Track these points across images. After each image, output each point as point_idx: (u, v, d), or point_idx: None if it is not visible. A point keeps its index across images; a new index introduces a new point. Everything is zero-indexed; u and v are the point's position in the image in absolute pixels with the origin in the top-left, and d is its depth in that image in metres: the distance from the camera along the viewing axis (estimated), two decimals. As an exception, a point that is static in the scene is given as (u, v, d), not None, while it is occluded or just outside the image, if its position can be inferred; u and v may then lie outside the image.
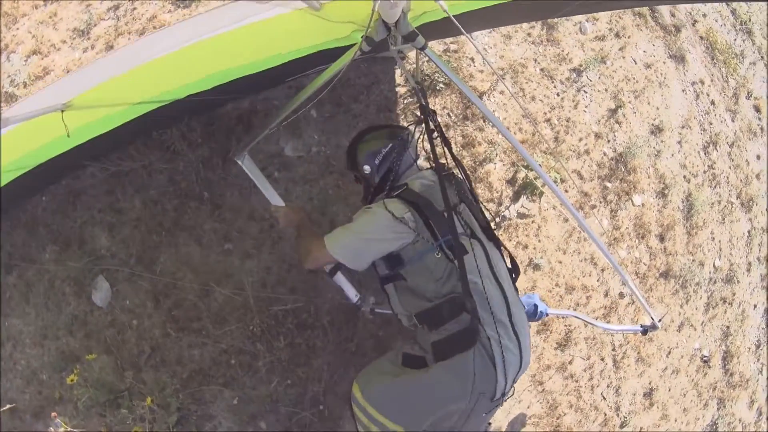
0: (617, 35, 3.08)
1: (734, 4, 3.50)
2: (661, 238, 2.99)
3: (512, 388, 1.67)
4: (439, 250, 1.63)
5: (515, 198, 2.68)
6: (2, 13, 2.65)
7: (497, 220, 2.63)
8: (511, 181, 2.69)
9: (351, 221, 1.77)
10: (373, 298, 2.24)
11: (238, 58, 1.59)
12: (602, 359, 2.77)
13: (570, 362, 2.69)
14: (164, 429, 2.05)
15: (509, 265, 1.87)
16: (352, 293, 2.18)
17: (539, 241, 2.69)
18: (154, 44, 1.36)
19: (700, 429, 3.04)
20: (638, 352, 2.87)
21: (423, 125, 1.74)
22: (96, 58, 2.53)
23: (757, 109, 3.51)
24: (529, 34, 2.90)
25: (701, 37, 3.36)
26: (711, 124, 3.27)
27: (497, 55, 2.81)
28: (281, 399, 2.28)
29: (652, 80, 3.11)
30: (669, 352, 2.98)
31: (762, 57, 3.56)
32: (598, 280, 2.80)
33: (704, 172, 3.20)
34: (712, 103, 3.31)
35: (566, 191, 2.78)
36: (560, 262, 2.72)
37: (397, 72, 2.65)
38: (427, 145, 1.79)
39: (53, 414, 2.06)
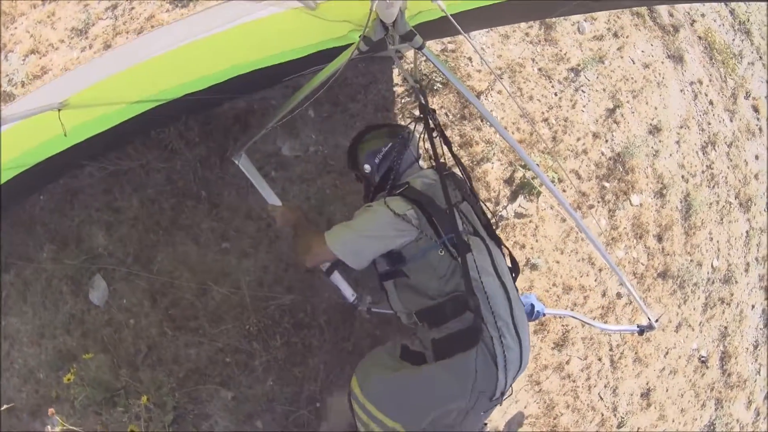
0: (615, 35, 3.08)
1: (732, 4, 3.50)
2: (659, 238, 2.99)
3: (510, 388, 1.67)
4: (443, 248, 1.63)
5: (513, 198, 2.68)
6: (0, 13, 2.65)
7: (494, 219, 2.62)
8: (508, 181, 2.69)
9: (350, 219, 1.78)
10: (369, 298, 2.24)
11: (234, 58, 1.59)
12: (599, 359, 2.77)
13: (567, 362, 2.69)
14: (160, 428, 2.05)
15: (509, 264, 1.87)
16: (348, 293, 2.19)
17: (537, 240, 2.69)
18: (151, 43, 1.36)
19: (697, 429, 3.03)
20: (636, 353, 2.87)
21: (423, 124, 1.75)
22: (93, 58, 2.54)
23: (756, 109, 3.51)
24: (527, 34, 2.90)
25: (699, 37, 3.36)
26: (709, 124, 3.27)
27: (495, 55, 2.81)
28: (277, 398, 2.28)
29: (651, 80, 3.11)
30: (667, 353, 2.98)
31: (760, 57, 3.56)
32: (595, 280, 2.80)
33: (702, 172, 3.20)
34: (711, 103, 3.31)
35: (564, 191, 2.78)
36: (558, 262, 2.72)
37: (395, 71, 2.65)
38: (428, 144, 1.80)
39: (50, 411, 2.06)
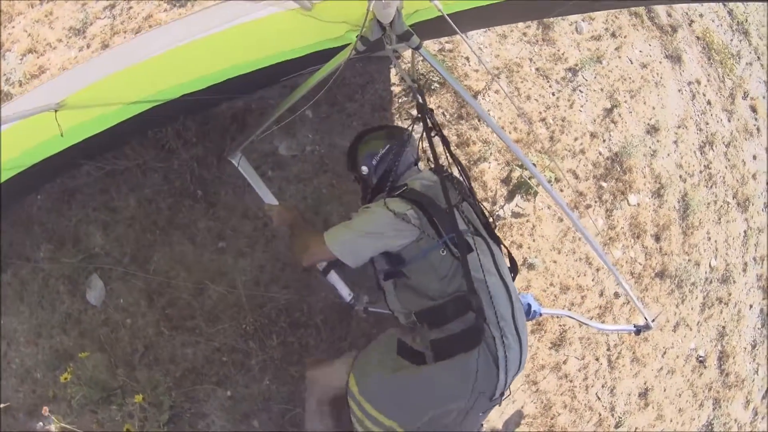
0: (613, 35, 3.08)
1: (731, 5, 3.50)
2: (657, 238, 2.99)
3: (508, 389, 1.67)
4: (444, 247, 1.62)
5: (510, 197, 2.68)
6: (-2, 12, 2.66)
7: (491, 219, 2.62)
8: (505, 181, 2.69)
9: (349, 219, 1.77)
10: (366, 297, 2.24)
11: (232, 58, 1.60)
12: (597, 359, 2.77)
13: (564, 362, 2.69)
14: (156, 427, 2.05)
15: (508, 264, 1.87)
16: (345, 292, 2.18)
17: (534, 240, 2.69)
18: (149, 43, 1.36)
19: (695, 429, 3.03)
20: (633, 352, 2.87)
21: (420, 124, 1.75)
22: (91, 57, 2.54)
23: (754, 110, 3.51)
24: (524, 34, 2.90)
25: (698, 38, 3.36)
26: (707, 124, 3.27)
27: (492, 55, 2.81)
28: (274, 397, 2.28)
29: (648, 80, 3.11)
30: (664, 352, 2.97)
31: (758, 57, 3.56)
32: (593, 280, 2.80)
33: (700, 172, 3.20)
34: (709, 103, 3.30)
35: (561, 191, 2.78)
36: (555, 262, 2.72)
37: (392, 71, 2.65)
38: (426, 144, 1.80)
39: (44, 408, 2.06)
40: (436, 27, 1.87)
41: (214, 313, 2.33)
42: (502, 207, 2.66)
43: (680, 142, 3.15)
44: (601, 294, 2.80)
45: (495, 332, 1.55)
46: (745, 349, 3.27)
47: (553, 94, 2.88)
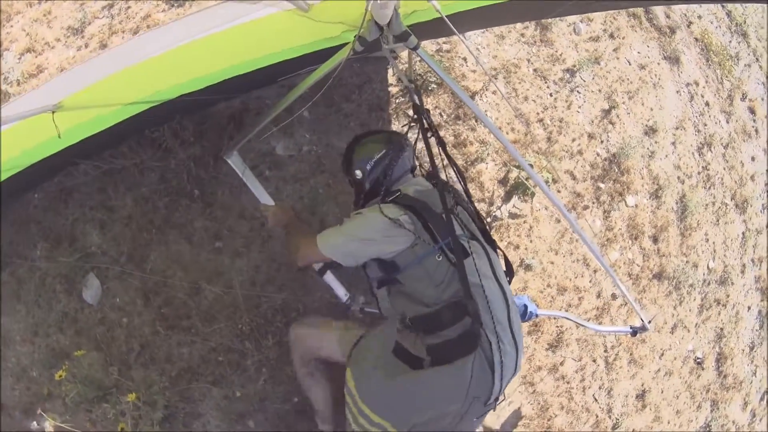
0: (611, 36, 3.08)
1: (729, 6, 3.50)
2: (655, 240, 2.99)
3: (503, 393, 1.66)
4: (440, 253, 1.61)
5: (507, 198, 2.68)
6: (-3, 11, 2.66)
7: (489, 220, 2.62)
8: (502, 181, 2.69)
9: (342, 222, 1.77)
10: (362, 298, 2.23)
11: (230, 58, 1.60)
12: (594, 360, 2.76)
13: (561, 363, 2.68)
14: (150, 426, 2.05)
15: (504, 268, 1.87)
16: (341, 292, 2.18)
17: (531, 241, 2.69)
18: (147, 44, 1.37)
19: (693, 431, 3.02)
20: (631, 354, 2.86)
21: (417, 125, 1.74)
22: (89, 58, 2.54)
23: (752, 111, 3.50)
24: (522, 35, 2.90)
25: (696, 39, 3.36)
26: (705, 125, 3.27)
27: (490, 55, 2.81)
28: (269, 397, 2.28)
29: (647, 81, 3.11)
30: (662, 354, 2.97)
31: (757, 59, 3.56)
32: (590, 281, 2.79)
33: (698, 173, 3.19)
34: (707, 104, 3.30)
35: (559, 192, 2.78)
36: (552, 263, 2.72)
37: (389, 72, 2.65)
38: (421, 144, 1.79)
39: (39, 411, 2.06)
40: (434, 27, 1.88)
41: (210, 312, 2.33)
42: (499, 208, 2.66)
43: (678, 143, 3.15)
44: (599, 295, 2.80)
45: (491, 337, 1.55)
46: (743, 350, 3.27)
47: (551, 95, 2.88)
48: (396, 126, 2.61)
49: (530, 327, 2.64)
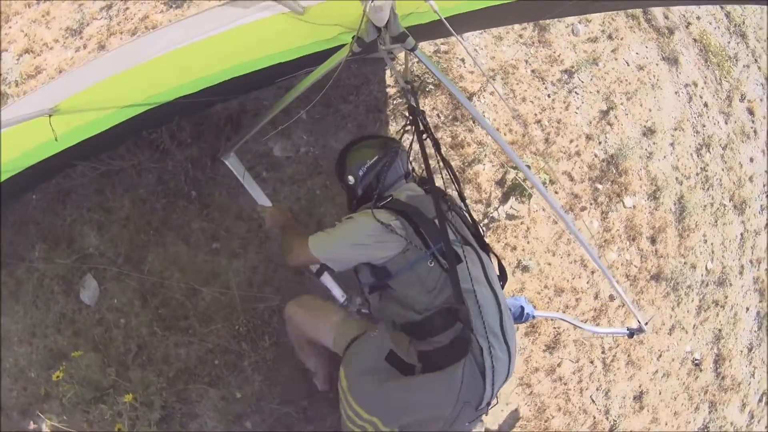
0: (610, 37, 3.08)
1: (728, 7, 3.50)
2: (653, 241, 2.98)
3: (496, 397, 1.66)
4: (432, 259, 1.60)
5: (504, 199, 2.68)
6: (-4, 12, 2.67)
7: (485, 221, 2.62)
8: (500, 182, 2.69)
9: (333, 227, 1.78)
10: (359, 299, 2.23)
11: (228, 60, 1.61)
12: (591, 362, 2.76)
13: (559, 365, 2.68)
14: (146, 426, 2.05)
15: (497, 272, 1.87)
16: (338, 293, 2.18)
17: (528, 242, 2.69)
18: (144, 47, 1.37)
19: (691, 432, 3.03)
20: (628, 355, 2.86)
21: (412, 127, 1.74)
22: (86, 60, 2.55)
23: (751, 112, 3.50)
24: (520, 36, 2.90)
25: (695, 40, 3.36)
26: (704, 126, 3.27)
27: (488, 56, 2.81)
28: (266, 398, 2.28)
29: (645, 82, 3.11)
30: (660, 355, 2.96)
31: (756, 60, 3.55)
32: (587, 283, 2.79)
33: (697, 174, 3.19)
34: (705, 105, 3.30)
35: (556, 193, 2.78)
36: (549, 264, 2.71)
37: (387, 73, 2.66)
38: (416, 146, 1.79)
39: (36, 412, 2.06)
40: (431, 29, 1.88)
41: (207, 313, 2.33)
42: (496, 209, 2.66)
43: (677, 144, 3.15)
44: (596, 297, 2.80)
45: (483, 343, 1.54)
46: (742, 352, 3.26)
47: (549, 96, 2.88)
48: (393, 127, 2.62)
49: (527, 328, 2.64)
